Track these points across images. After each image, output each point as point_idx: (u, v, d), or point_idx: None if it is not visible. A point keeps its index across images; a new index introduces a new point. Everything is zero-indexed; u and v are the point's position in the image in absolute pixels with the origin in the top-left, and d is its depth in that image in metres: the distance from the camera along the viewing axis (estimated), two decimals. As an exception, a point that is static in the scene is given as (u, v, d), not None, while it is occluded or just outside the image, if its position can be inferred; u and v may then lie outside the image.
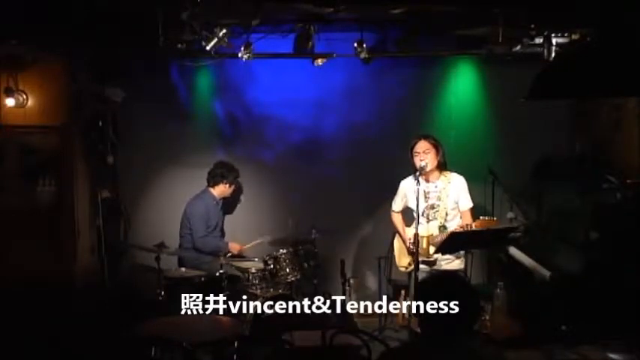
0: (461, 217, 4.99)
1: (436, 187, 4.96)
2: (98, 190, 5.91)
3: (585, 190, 5.65)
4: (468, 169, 5.49)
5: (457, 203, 4.97)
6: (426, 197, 4.93)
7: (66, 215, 5.42)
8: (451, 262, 4.99)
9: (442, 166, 4.96)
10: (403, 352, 2.84)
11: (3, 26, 4.55)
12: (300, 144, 6.43)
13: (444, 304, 2.48)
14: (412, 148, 4.91)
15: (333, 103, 6.41)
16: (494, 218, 4.90)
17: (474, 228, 4.74)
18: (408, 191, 5.06)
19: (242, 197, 6.47)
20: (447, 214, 4.94)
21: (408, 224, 5.21)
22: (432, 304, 2.50)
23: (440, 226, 4.92)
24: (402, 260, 5.19)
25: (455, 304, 2.47)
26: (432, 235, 4.92)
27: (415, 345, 2.86)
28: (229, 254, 5.77)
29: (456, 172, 5.03)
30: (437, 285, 2.66)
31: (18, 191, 5.36)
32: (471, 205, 5.01)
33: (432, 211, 4.95)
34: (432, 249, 4.91)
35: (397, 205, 5.23)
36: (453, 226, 4.96)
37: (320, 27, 5.56)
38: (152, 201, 6.40)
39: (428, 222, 4.93)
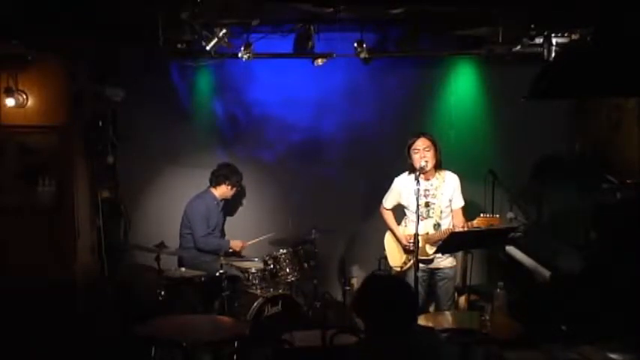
0: (452, 217, 5.00)
1: (432, 185, 4.96)
2: (98, 190, 5.91)
3: (585, 190, 5.64)
4: (468, 168, 5.51)
5: (450, 201, 4.98)
6: (421, 195, 4.92)
7: (66, 215, 5.42)
8: (444, 260, 5.01)
9: (439, 165, 4.97)
10: (364, 344, 3.19)
11: (3, 26, 4.54)
12: (300, 144, 6.44)
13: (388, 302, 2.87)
14: (411, 145, 4.91)
15: (333, 103, 6.41)
16: (497, 216, 4.90)
17: (474, 226, 4.74)
18: (402, 189, 5.06)
19: (242, 197, 6.47)
20: (441, 212, 4.95)
21: (398, 222, 5.20)
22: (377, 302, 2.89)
23: (434, 224, 4.94)
24: (396, 259, 5.16)
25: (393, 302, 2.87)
26: (427, 233, 4.93)
27: (368, 338, 3.15)
28: (232, 251, 5.79)
29: (450, 170, 5.04)
30: (379, 286, 3.03)
31: (18, 191, 5.36)
32: (462, 203, 5.03)
33: (426, 209, 4.94)
34: (427, 247, 4.92)
35: (389, 202, 5.21)
36: (446, 224, 4.97)
37: (320, 27, 5.57)
38: (152, 201, 6.41)
39: (423, 220, 4.92)
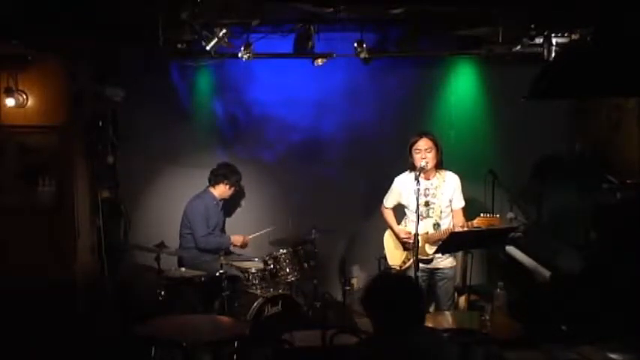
0: (452, 217, 4.99)
1: (432, 184, 4.96)
2: (98, 190, 5.91)
3: (585, 190, 5.64)
4: (468, 168, 5.51)
5: (450, 201, 4.98)
6: (421, 195, 4.92)
7: (66, 215, 5.41)
8: (444, 260, 5.01)
9: (440, 164, 4.97)
10: (364, 344, 3.20)
11: (3, 26, 4.54)
12: (300, 144, 6.44)
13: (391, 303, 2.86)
14: (412, 145, 4.91)
15: (333, 103, 6.42)
16: (497, 216, 4.90)
17: (474, 226, 4.74)
18: (402, 188, 5.06)
19: (242, 198, 6.47)
20: (441, 212, 4.95)
21: (398, 221, 5.21)
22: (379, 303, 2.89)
23: (434, 224, 4.94)
24: (395, 259, 5.17)
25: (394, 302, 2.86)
26: (427, 233, 4.93)
27: (368, 338, 3.17)
28: (234, 247, 5.79)
29: (450, 170, 5.04)
30: (383, 286, 3.01)
31: (18, 191, 5.36)
32: (463, 204, 5.03)
33: (426, 209, 4.93)
34: (427, 247, 4.92)
35: (390, 201, 5.21)
36: (446, 224, 4.97)
37: (320, 27, 5.57)
38: (152, 201, 6.41)
39: (422, 220, 4.91)
